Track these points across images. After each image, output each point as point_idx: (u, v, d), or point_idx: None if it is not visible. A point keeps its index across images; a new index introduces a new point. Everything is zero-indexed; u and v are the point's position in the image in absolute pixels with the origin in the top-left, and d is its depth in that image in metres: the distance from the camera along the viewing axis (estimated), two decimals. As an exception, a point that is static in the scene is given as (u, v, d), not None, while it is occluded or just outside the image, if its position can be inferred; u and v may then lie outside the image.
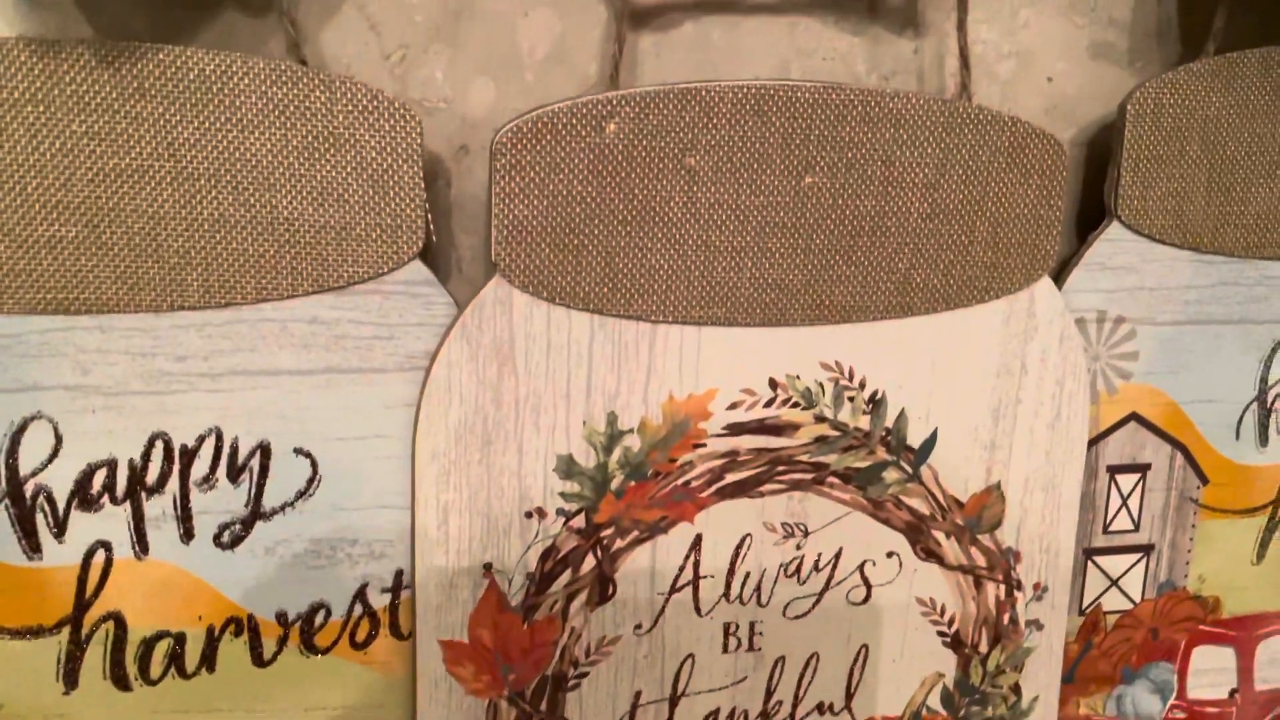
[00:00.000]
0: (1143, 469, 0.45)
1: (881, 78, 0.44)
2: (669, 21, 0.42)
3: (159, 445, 0.37)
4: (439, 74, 0.41)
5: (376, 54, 0.40)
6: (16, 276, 0.35)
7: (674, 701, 0.43)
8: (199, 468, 0.37)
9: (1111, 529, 0.46)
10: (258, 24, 0.39)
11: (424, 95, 0.41)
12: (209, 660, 0.39)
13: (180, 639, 0.38)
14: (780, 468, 0.42)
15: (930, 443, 0.42)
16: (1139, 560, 0.47)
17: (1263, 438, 0.47)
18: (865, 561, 0.43)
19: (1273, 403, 0.47)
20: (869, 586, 0.43)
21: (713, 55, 0.43)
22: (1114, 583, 0.47)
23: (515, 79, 0.41)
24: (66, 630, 0.37)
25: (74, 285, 0.35)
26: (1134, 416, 0.45)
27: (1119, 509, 0.46)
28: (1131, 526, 0.46)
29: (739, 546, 0.42)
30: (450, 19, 0.40)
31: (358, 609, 0.40)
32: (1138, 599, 0.47)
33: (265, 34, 0.39)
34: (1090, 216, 0.46)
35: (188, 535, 0.38)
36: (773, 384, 0.41)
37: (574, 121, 0.37)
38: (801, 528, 0.42)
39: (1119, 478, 0.45)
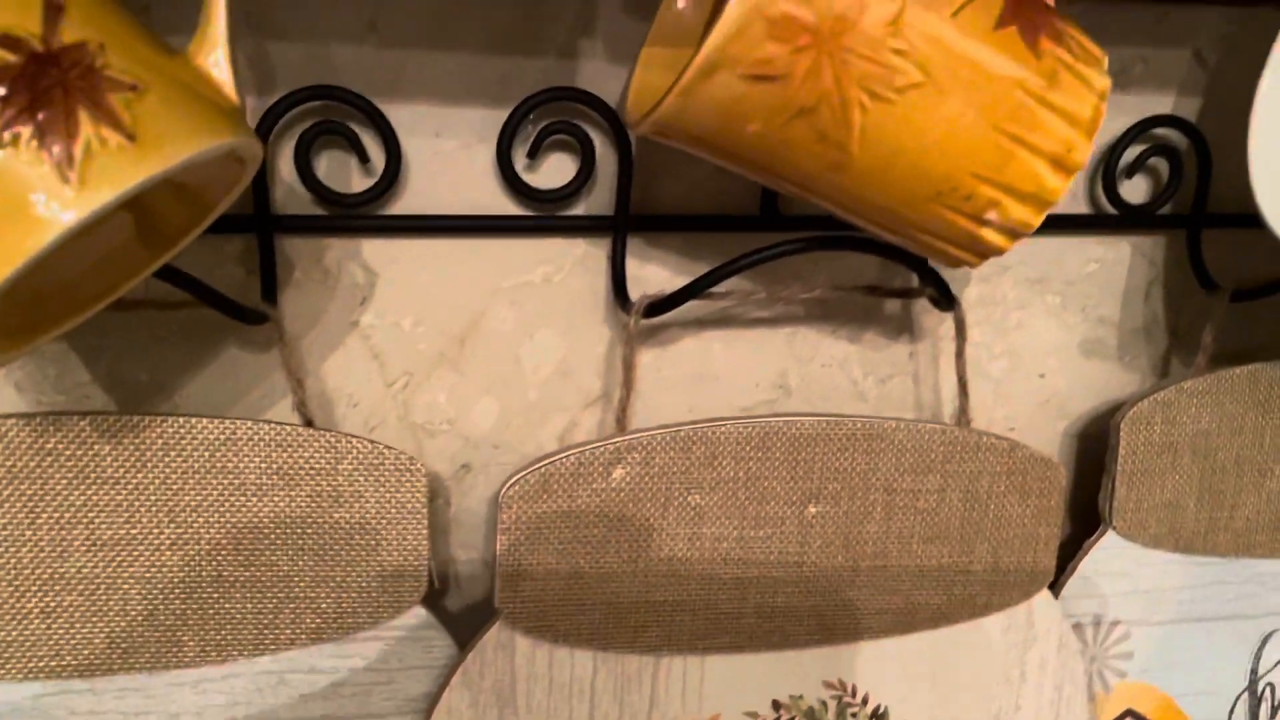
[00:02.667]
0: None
1: (879, 381, 0.45)
2: (670, 336, 0.42)
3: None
4: (442, 398, 0.41)
5: (380, 382, 0.40)
6: (8, 646, 0.34)
7: None
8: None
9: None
10: (262, 358, 0.38)
11: (427, 419, 0.41)
12: None
13: None
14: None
15: (931, 754, 0.42)
16: None
17: (1254, 724, 0.47)
18: None
19: (1262, 692, 0.47)
20: None
21: (713, 366, 0.43)
22: None
23: (518, 397, 0.41)
24: None
25: (68, 652, 0.34)
26: (1130, 713, 0.45)
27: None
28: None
29: None
30: (454, 345, 0.40)
31: None
32: None
33: (268, 368, 0.39)
34: (1084, 505, 0.46)
35: None
36: (776, 705, 0.41)
37: (581, 471, 0.37)
38: None
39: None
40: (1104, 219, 0.45)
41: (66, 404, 0.37)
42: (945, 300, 0.40)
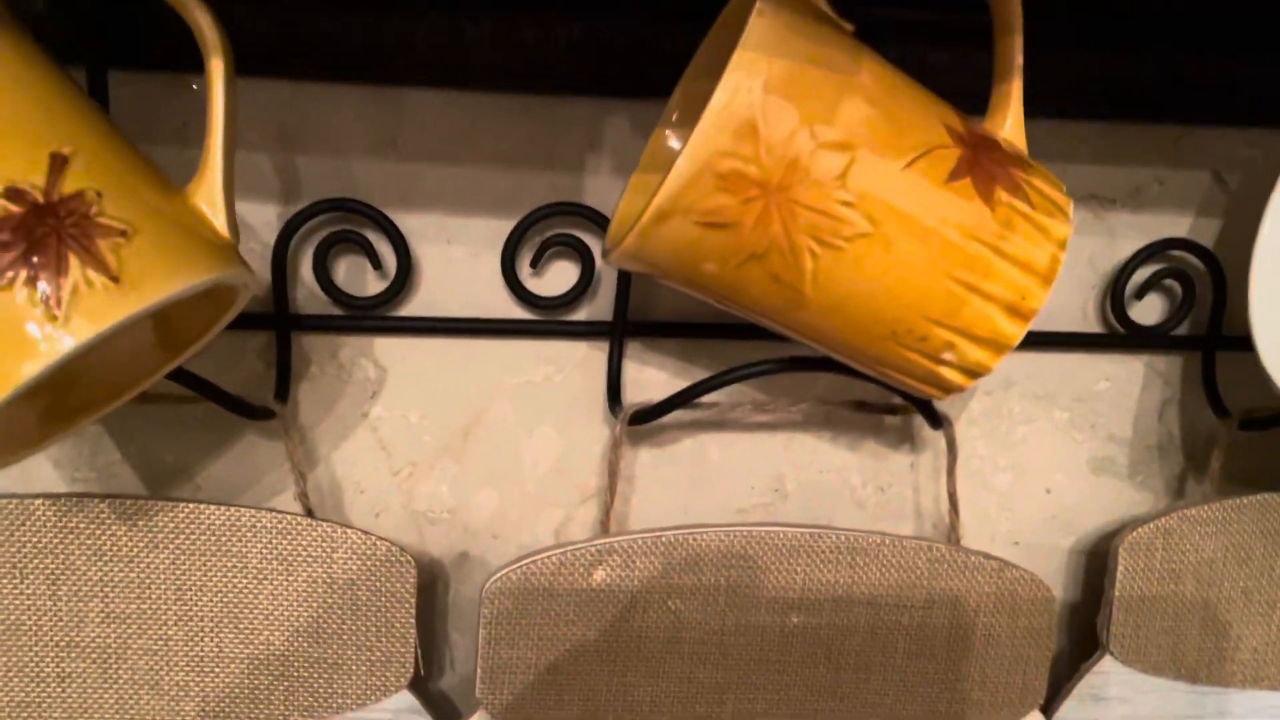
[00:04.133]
0: None
1: (878, 490, 0.45)
2: (668, 438, 0.44)
3: None
4: (444, 488, 0.43)
5: (386, 470, 0.42)
6: (26, 707, 0.37)
7: None
8: None
9: None
10: (276, 445, 0.41)
11: (429, 507, 0.43)
12: None
13: None
14: None
15: None
16: None
17: None
18: None
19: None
20: None
21: (709, 470, 0.44)
22: None
23: (517, 491, 0.43)
24: None
25: (79, 715, 0.37)
26: (1128, 843, 0.44)
27: None
28: None
29: None
30: (458, 438, 0.42)
31: None
32: None
33: (282, 455, 0.41)
34: (1089, 624, 0.46)
35: None
36: (752, 809, 0.41)
37: (562, 570, 0.38)
38: None
39: None
40: (1114, 338, 0.45)
41: (97, 480, 0.40)
42: (932, 420, 0.40)
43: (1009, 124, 0.33)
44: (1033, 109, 0.41)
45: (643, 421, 0.39)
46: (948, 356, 0.31)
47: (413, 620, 0.39)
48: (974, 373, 0.32)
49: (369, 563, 0.38)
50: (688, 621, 0.40)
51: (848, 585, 0.40)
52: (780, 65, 0.28)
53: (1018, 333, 0.31)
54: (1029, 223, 0.30)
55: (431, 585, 0.43)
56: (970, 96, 0.34)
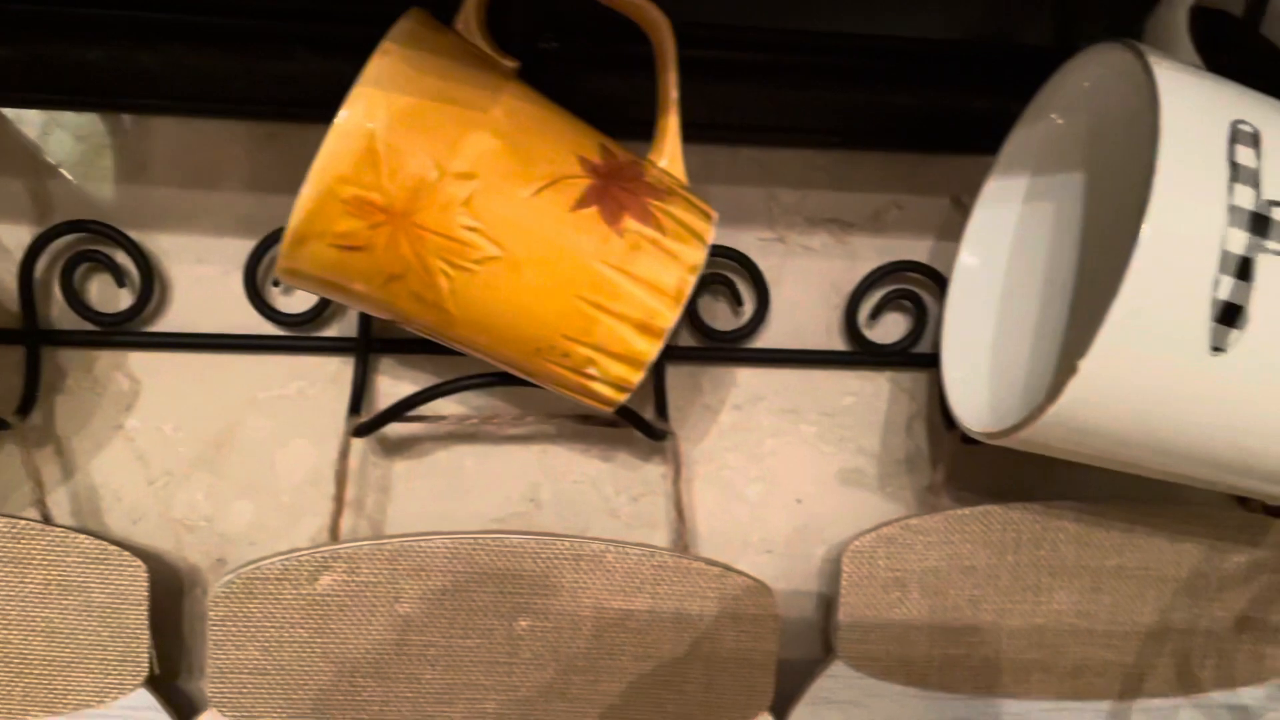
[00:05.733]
0: None
1: (631, 499, 0.47)
2: (423, 450, 0.46)
3: None
4: (200, 496, 0.45)
5: (142, 480, 0.44)
6: None
7: None
8: None
9: None
10: (32, 453, 0.43)
11: (186, 515, 0.45)
12: None
13: None
14: None
15: None
16: None
17: None
18: None
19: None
20: None
21: (465, 481, 0.46)
22: None
23: (271, 500, 0.45)
24: None
25: None
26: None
27: None
28: None
29: None
30: (212, 449, 0.44)
31: None
32: None
33: (42, 460, 0.43)
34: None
35: None
36: (488, 807, 0.43)
37: (286, 576, 0.40)
38: None
39: None
40: (857, 355, 0.47)
41: None
42: (649, 433, 0.42)
43: (666, 155, 0.35)
44: (772, 139, 0.44)
45: (366, 433, 0.41)
46: (592, 371, 0.33)
47: (145, 621, 0.40)
48: (621, 387, 0.34)
49: (101, 566, 0.40)
50: (415, 625, 0.41)
51: (573, 590, 0.42)
52: (402, 100, 0.30)
53: (651, 349, 0.33)
54: (658, 248, 0.33)
55: (189, 590, 0.45)
56: (647, 124, 0.37)
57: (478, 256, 0.31)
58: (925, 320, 0.46)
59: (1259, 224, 0.29)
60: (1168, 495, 0.44)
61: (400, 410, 0.40)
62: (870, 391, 0.48)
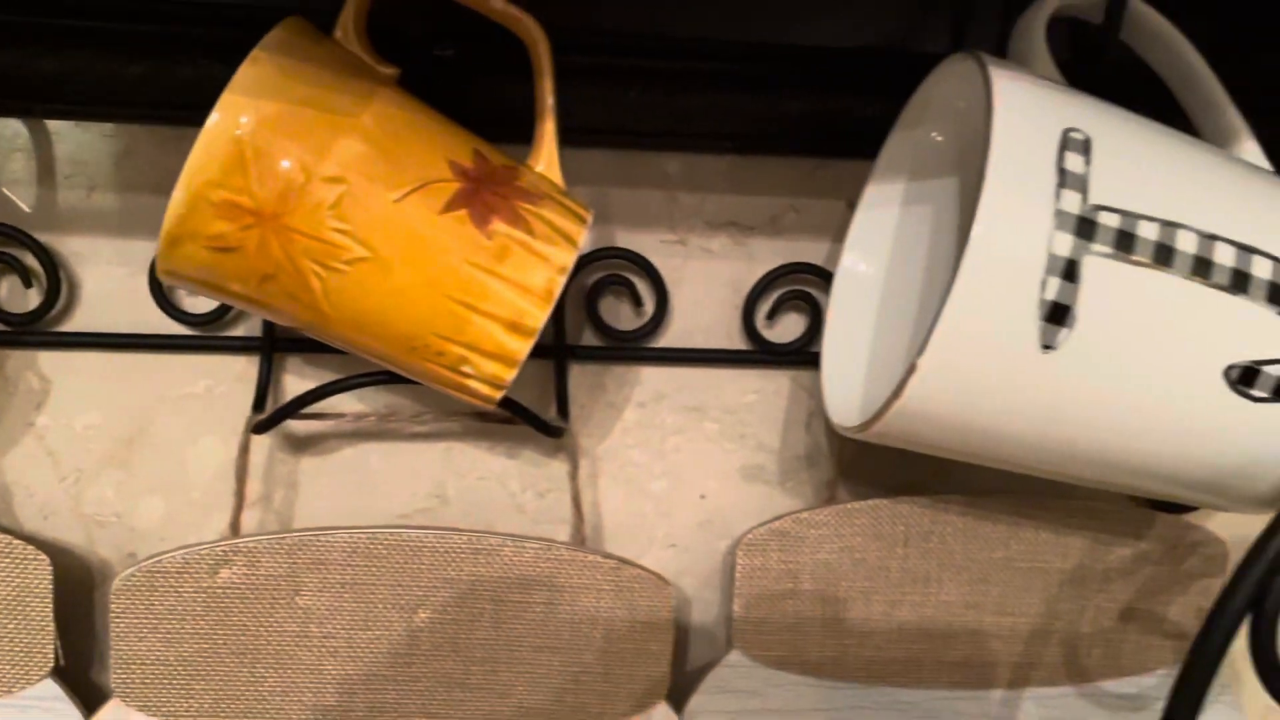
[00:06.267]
0: None
1: (537, 495, 0.49)
2: (329, 447, 0.47)
3: None
4: (110, 492, 0.46)
5: (53, 476, 0.45)
6: None
7: None
8: None
9: None
10: (-56, 452, 0.44)
11: (97, 511, 0.46)
12: None
13: None
14: None
15: None
16: None
17: None
18: None
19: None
20: None
21: (371, 478, 0.47)
22: None
23: (182, 496, 0.46)
24: None
25: None
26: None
27: None
28: None
29: None
30: (123, 446, 0.45)
31: None
32: None
33: (-50, 460, 0.44)
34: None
35: None
36: (390, 794, 0.44)
37: (187, 570, 0.41)
38: None
39: None
40: (757, 355, 0.48)
41: None
42: (544, 430, 0.44)
43: (543, 160, 0.36)
44: (671, 144, 0.45)
45: (264, 430, 0.42)
46: (467, 369, 0.35)
47: (50, 614, 0.41)
48: (496, 384, 0.35)
49: (6, 560, 0.41)
50: (316, 617, 0.43)
51: (471, 583, 0.43)
52: (270, 106, 0.31)
53: (522, 347, 0.34)
54: (527, 250, 0.34)
55: (100, 584, 0.46)
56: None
57: (347, 258, 0.32)
58: (821, 320, 0.47)
59: (1085, 228, 0.30)
60: (1055, 490, 0.45)
61: (296, 406, 0.41)
62: (771, 389, 0.49)
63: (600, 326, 0.47)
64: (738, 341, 0.48)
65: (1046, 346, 0.30)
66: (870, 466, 0.50)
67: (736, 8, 0.45)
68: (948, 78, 0.37)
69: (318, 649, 0.43)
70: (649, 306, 0.47)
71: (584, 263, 0.46)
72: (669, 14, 0.45)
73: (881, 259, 0.43)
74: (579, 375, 0.48)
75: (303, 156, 0.32)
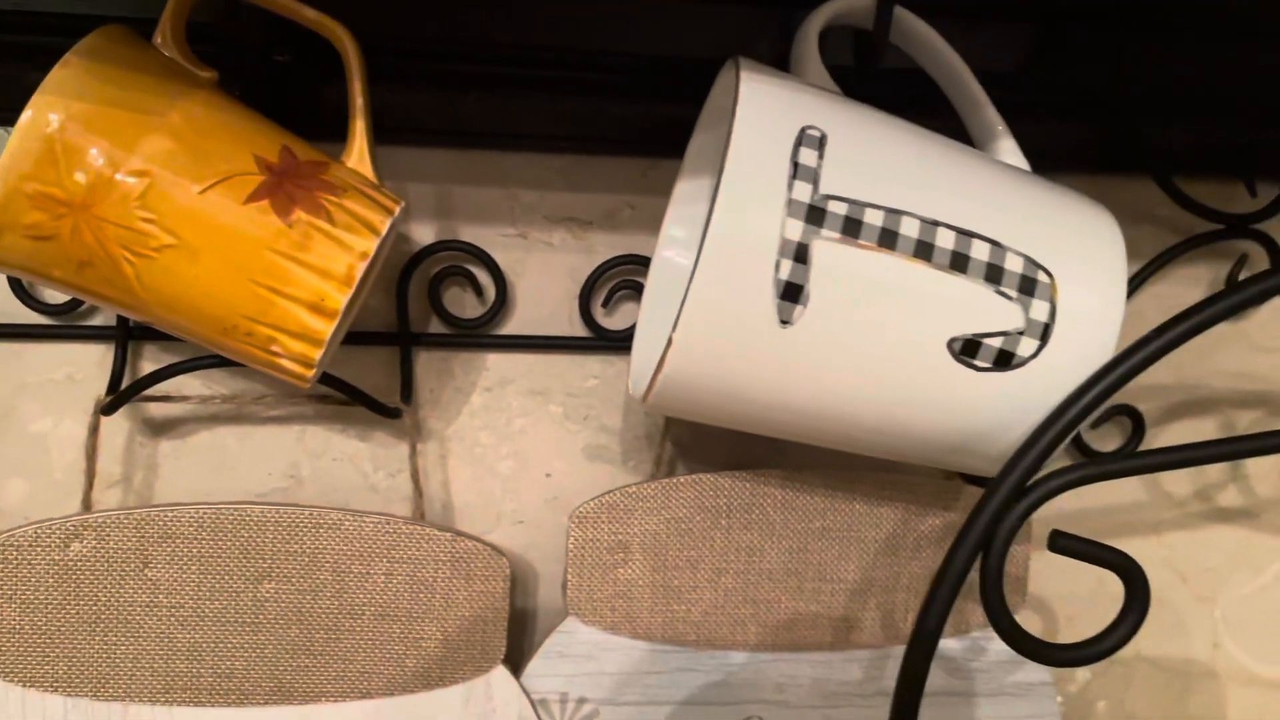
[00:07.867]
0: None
1: (389, 475, 0.51)
2: (186, 430, 0.50)
3: None
4: (-26, 475, 0.48)
5: (-82, 459, 0.48)
6: None
7: None
8: None
9: None
10: None
11: (-40, 492, 0.48)
12: None
13: None
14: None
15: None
16: None
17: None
18: None
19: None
20: None
21: (228, 459, 0.50)
22: None
23: (45, 478, 0.49)
24: None
25: None
26: (602, 786, 0.50)
27: None
28: None
29: None
30: (-15, 430, 0.48)
31: None
32: None
33: None
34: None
35: None
36: (242, 756, 0.47)
37: (39, 542, 0.44)
38: None
39: None
40: (595, 341, 0.51)
41: None
42: (381, 410, 0.47)
43: (354, 155, 0.39)
44: (510, 144, 0.48)
45: (110, 411, 0.45)
46: (276, 349, 0.38)
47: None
48: (305, 362, 0.38)
49: None
50: (164, 588, 0.45)
51: (313, 555, 0.46)
52: (79, 105, 0.34)
53: (325, 328, 0.37)
54: (328, 238, 0.37)
55: (-34, 562, 0.49)
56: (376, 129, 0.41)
57: (155, 245, 0.35)
58: (652, 308, 0.50)
59: (815, 215, 0.34)
60: (871, 464, 0.49)
61: (139, 388, 0.44)
62: (611, 374, 0.52)
63: (444, 315, 0.50)
64: (578, 329, 0.52)
65: (784, 322, 0.34)
66: (707, 446, 0.53)
67: (575, 18, 0.48)
68: (723, 82, 0.40)
69: (167, 618, 0.45)
70: (490, 295, 0.50)
71: (425, 255, 0.49)
72: (508, 23, 0.48)
73: (691, 249, 0.46)
74: (427, 361, 0.51)
75: (110, 151, 0.34)
